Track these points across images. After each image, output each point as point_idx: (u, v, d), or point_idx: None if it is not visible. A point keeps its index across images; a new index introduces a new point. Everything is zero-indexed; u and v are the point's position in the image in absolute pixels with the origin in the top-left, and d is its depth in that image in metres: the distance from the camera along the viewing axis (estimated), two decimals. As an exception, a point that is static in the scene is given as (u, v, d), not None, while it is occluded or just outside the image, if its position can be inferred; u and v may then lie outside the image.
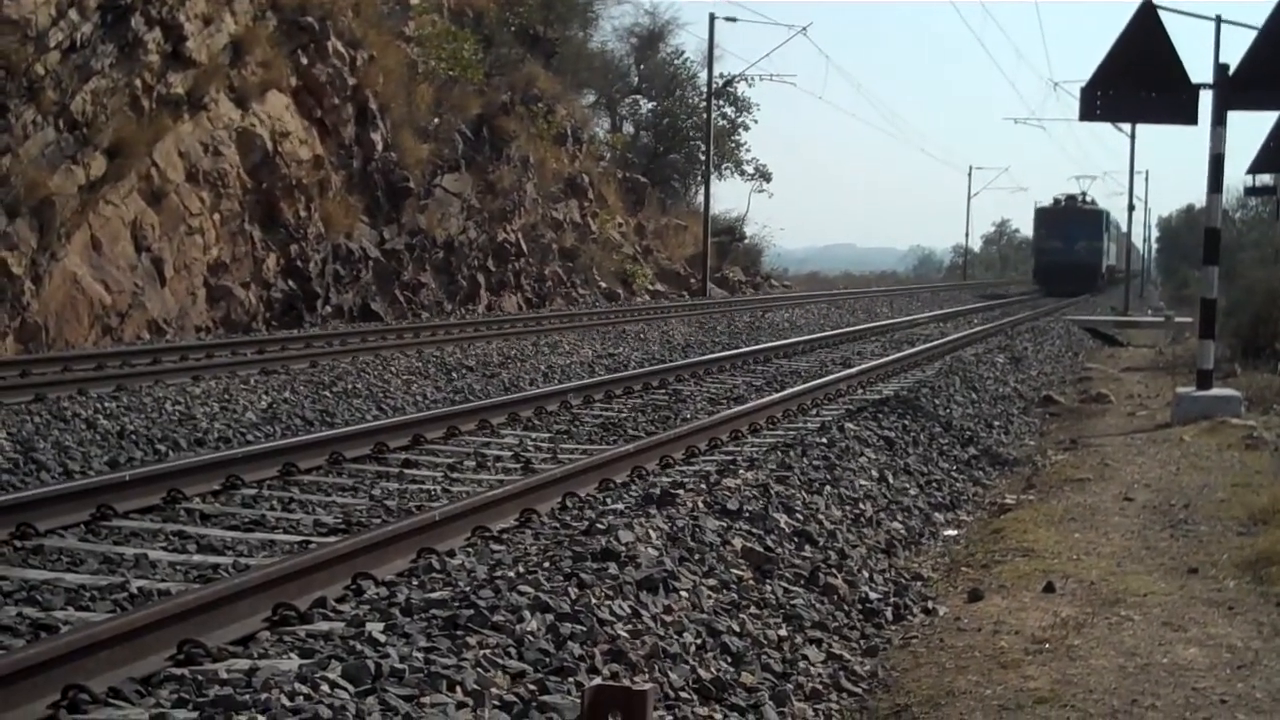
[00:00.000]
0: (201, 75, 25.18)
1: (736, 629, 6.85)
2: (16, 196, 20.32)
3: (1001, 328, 33.45)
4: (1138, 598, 8.07)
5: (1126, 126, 55.35)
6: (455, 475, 11.26)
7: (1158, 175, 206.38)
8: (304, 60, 29.05)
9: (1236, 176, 61.21)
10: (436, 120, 34.59)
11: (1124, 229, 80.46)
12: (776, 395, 16.15)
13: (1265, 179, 29.76)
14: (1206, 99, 16.91)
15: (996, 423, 16.97)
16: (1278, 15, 16.55)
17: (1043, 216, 75.74)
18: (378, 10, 33.05)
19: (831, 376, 18.94)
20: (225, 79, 26.20)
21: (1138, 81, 17.15)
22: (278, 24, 28.30)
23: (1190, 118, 17.10)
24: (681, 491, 9.15)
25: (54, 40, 21.41)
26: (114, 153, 22.55)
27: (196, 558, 8.04)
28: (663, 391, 17.75)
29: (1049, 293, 68.21)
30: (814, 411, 16.00)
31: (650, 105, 62.68)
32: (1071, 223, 73.19)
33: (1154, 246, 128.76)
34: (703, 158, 55.10)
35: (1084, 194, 78.23)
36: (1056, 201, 76.14)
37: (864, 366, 20.78)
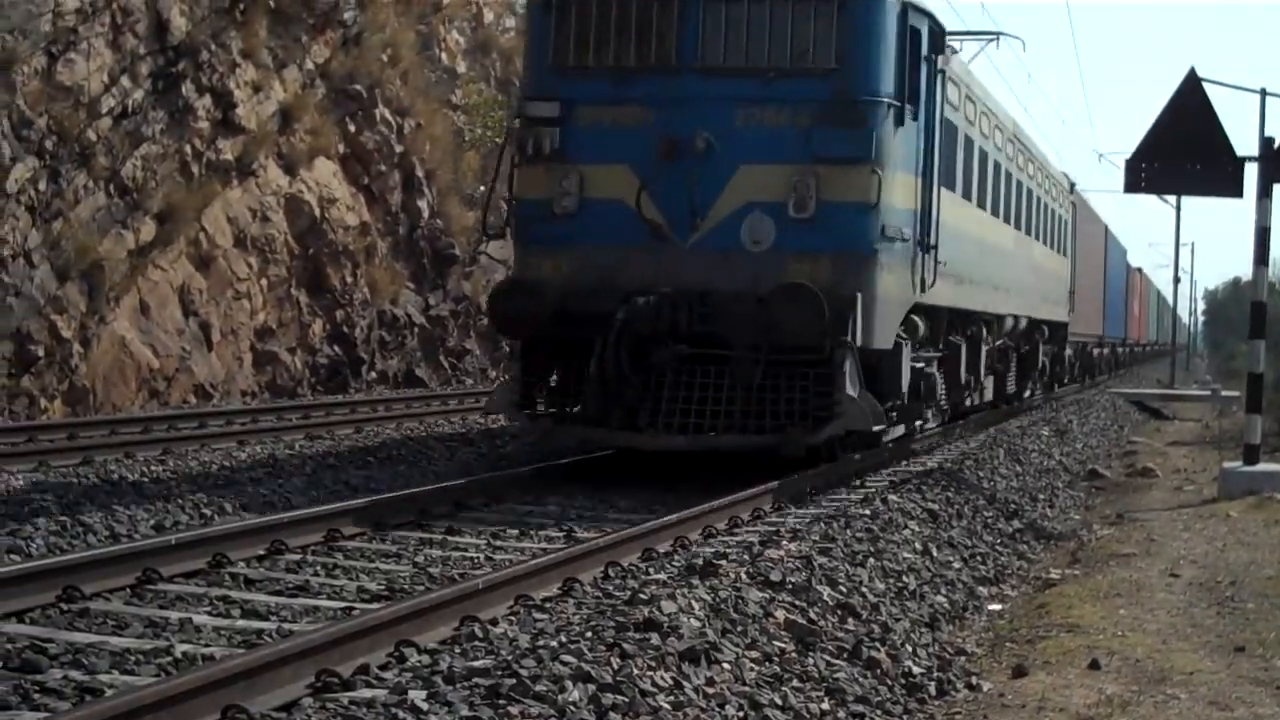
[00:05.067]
0: (251, 142, 25.44)
1: (779, 702, 6.82)
2: (67, 260, 20.53)
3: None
4: (1184, 676, 8.01)
5: (1172, 198, 55.14)
6: (498, 543, 11.26)
7: (1204, 247, 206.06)
8: (352, 127, 29.32)
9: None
10: (482, 187, 34.82)
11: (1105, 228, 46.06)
12: (821, 467, 16.10)
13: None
14: (1252, 171, 16.91)
15: (1041, 496, 16.88)
16: (1324, 90, 16.55)
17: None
18: (425, 78, 33.33)
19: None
20: (274, 146, 26.46)
21: (1183, 154, 17.18)
22: (326, 92, 28.58)
23: (1236, 190, 17.11)
24: (724, 562, 9.14)
25: (106, 106, 21.68)
26: (163, 218, 22.79)
27: (240, 623, 8.05)
28: (705, 460, 17.63)
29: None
30: (857, 483, 15.94)
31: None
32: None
33: (1200, 319, 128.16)
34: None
35: None
36: None
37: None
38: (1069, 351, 36.38)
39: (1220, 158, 17.11)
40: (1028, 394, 30.15)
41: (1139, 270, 64.53)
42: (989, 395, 24.25)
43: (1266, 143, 16.85)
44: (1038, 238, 27.17)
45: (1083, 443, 24.22)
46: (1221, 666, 8.26)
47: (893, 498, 13.40)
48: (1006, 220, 23.01)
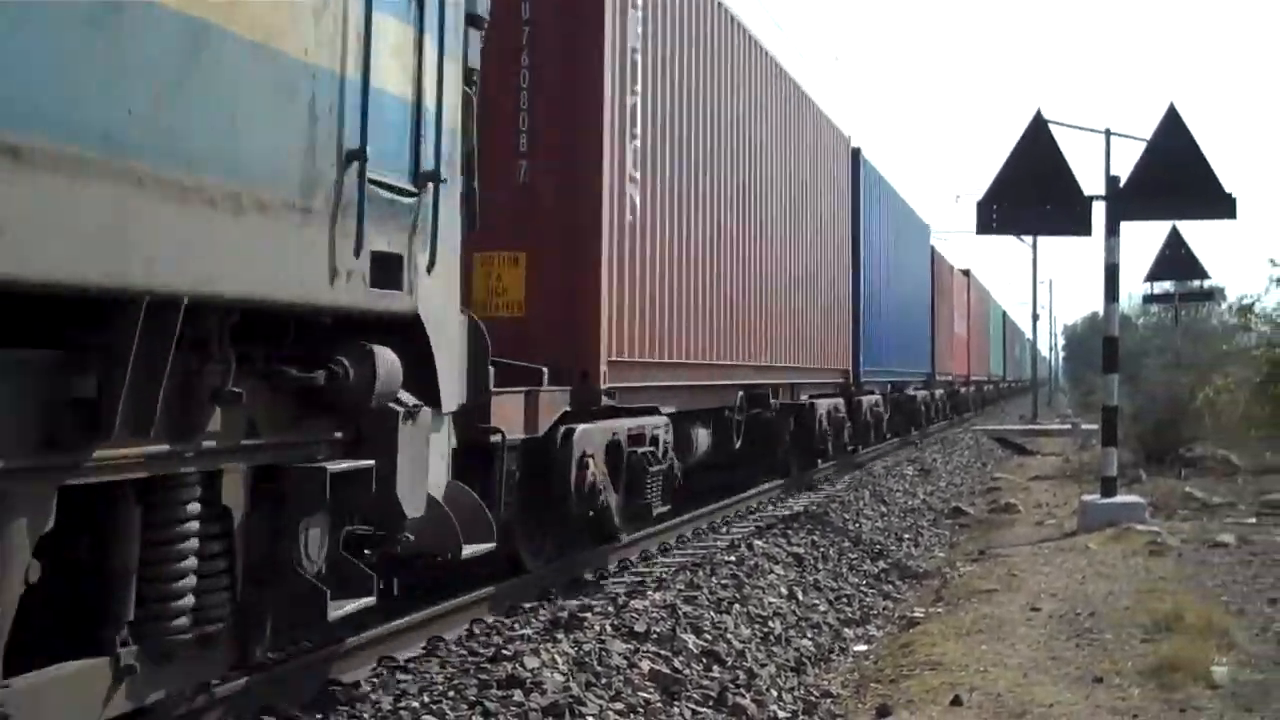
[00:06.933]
0: None
1: (643, 753, 6.81)
2: None
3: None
4: (1044, 708, 8.11)
5: (1028, 237, 56.18)
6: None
7: (1063, 283, 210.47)
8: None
9: (1143, 283, 61.82)
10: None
11: None
12: (686, 515, 16.12)
13: (1166, 285, 30.33)
14: (1100, 210, 17.25)
15: (906, 535, 17.07)
16: (1163, 128, 16.99)
17: None
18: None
19: (744, 494, 18.87)
20: None
21: (1032, 194, 17.48)
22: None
23: (1084, 229, 17.44)
24: (589, 615, 9.14)
25: None
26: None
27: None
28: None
29: None
30: (724, 530, 16.00)
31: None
32: None
33: (1061, 354, 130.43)
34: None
35: None
36: None
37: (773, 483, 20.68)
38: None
39: (1068, 197, 17.41)
40: None
41: (966, 274, 48.88)
42: None
43: (1112, 181, 17.22)
44: None
45: (946, 480, 24.54)
46: (1080, 698, 8.37)
47: (758, 543, 13.48)
48: None
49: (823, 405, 21.48)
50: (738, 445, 16.46)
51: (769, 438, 18.59)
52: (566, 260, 11.46)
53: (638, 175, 12.41)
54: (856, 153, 24.95)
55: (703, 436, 15.15)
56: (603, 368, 11.42)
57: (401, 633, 9.05)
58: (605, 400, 11.58)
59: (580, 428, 11.06)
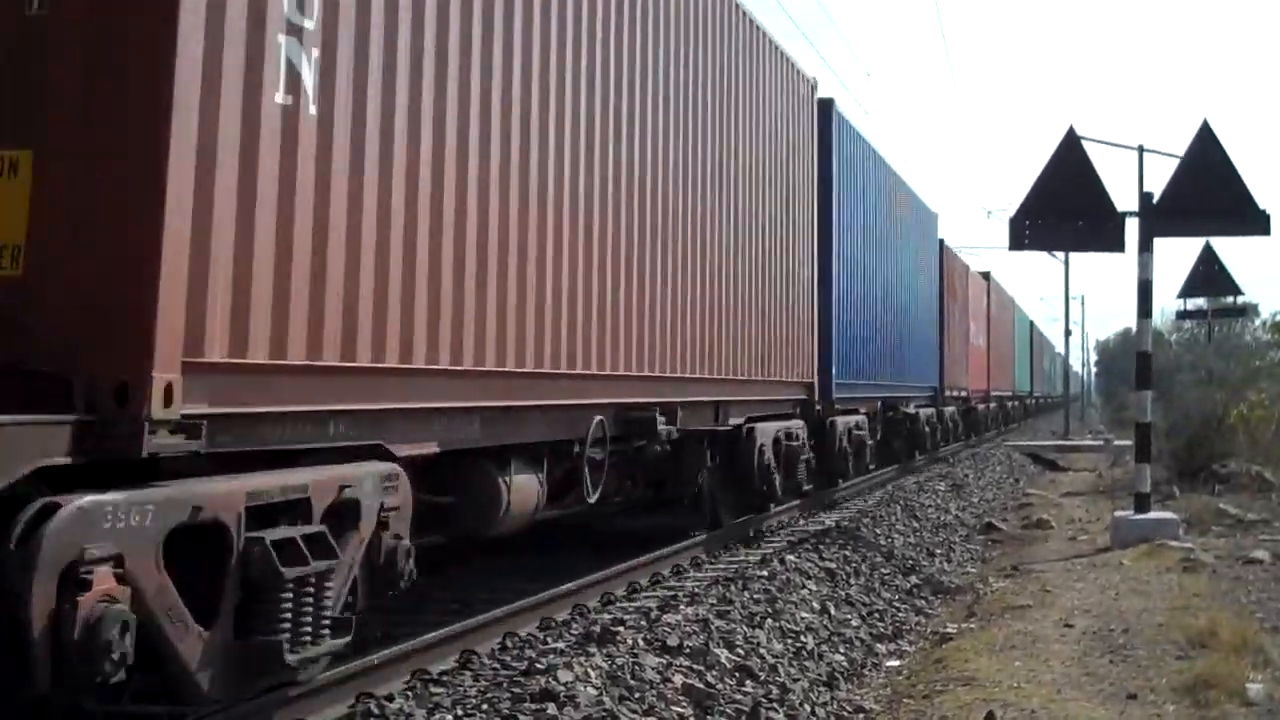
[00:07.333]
0: None
1: (676, 768, 6.81)
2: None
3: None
4: (1077, 725, 8.10)
5: (1060, 253, 56.00)
6: (394, 618, 11.15)
7: (1096, 298, 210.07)
8: None
9: (1175, 299, 61.47)
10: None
11: None
12: (718, 530, 16.12)
13: (1199, 301, 30.23)
14: (1133, 226, 17.22)
15: (938, 551, 17.02)
16: (1197, 144, 16.95)
17: None
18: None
19: (772, 510, 18.83)
20: None
21: (1065, 210, 17.45)
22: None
23: (1117, 245, 17.40)
24: (622, 629, 9.15)
25: None
26: None
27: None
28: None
29: None
30: (756, 544, 15.99)
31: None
32: None
33: (1093, 370, 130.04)
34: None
35: None
36: None
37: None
38: None
39: (1101, 213, 17.38)
40: None
41: (986, 277, 45.38)
42: None
43: (1145, 198, 17.19)
44: None
45: (978, 496, 24.47)
46: (1114, 714, 8.35)
47: (790, 558, 13.47)
48: None
49: (767, 430, 15.89)
50: (593, 497, 11.10)
51: (678, 477, 14.03)
52: (103, 167, 5.77)
53: (308, 24, 6.78)
54: (827, 105, 19.53)
55: (525, 486, 9.91)
56: (164, 377, 5.69)
57: (434, 646, 9.07)
58: (163, 442, 5.73)
59: (76, 505, 5.29)
